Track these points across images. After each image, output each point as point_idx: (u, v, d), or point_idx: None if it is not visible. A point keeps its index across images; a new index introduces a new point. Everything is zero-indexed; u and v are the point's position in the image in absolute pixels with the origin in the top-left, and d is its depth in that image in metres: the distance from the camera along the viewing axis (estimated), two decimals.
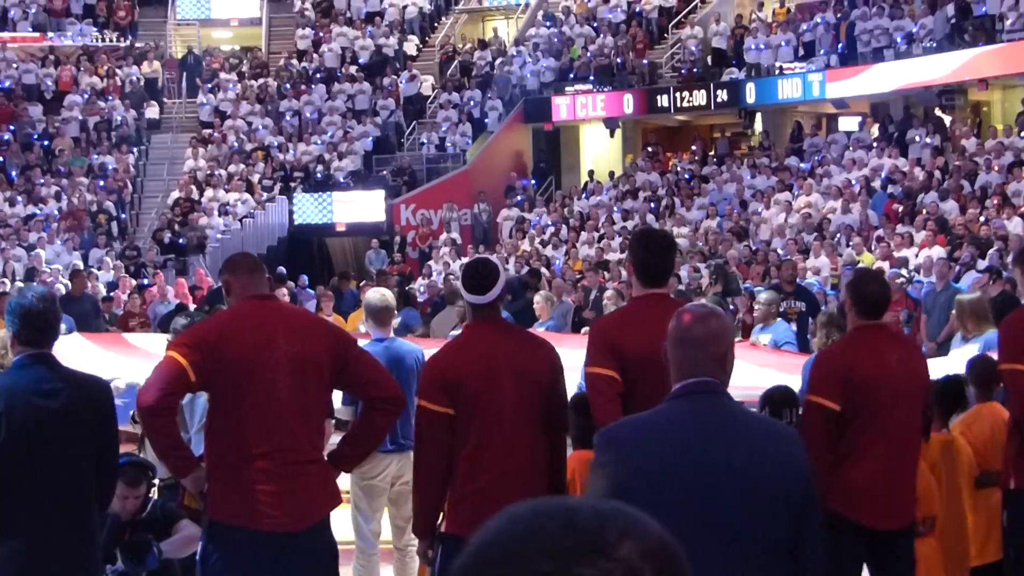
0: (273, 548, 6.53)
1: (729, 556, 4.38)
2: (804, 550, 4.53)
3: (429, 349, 9.21)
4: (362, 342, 9.52)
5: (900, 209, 25.11)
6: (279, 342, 6.57)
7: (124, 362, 11.78)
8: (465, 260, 25.85)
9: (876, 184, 27.11)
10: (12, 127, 34.04)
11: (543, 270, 24.21)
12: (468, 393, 6.56)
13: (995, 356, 8.27)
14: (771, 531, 4.45)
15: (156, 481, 8.36)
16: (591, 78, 34.18)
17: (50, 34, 37.21)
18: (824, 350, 8.62)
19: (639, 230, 9.47)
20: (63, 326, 13.03)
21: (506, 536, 1.85)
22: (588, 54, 34.83)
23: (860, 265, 20.26)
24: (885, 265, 20.44)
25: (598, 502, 1.94)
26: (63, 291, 21.83)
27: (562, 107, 34.05)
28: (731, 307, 17.05)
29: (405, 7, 38.27)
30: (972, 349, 10.04)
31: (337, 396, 8.99)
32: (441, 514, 6.79)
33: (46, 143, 34.07)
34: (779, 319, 14.14)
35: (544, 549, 1.82)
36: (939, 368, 9.23)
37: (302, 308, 12.76)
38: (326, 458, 6.90)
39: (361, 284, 22.57)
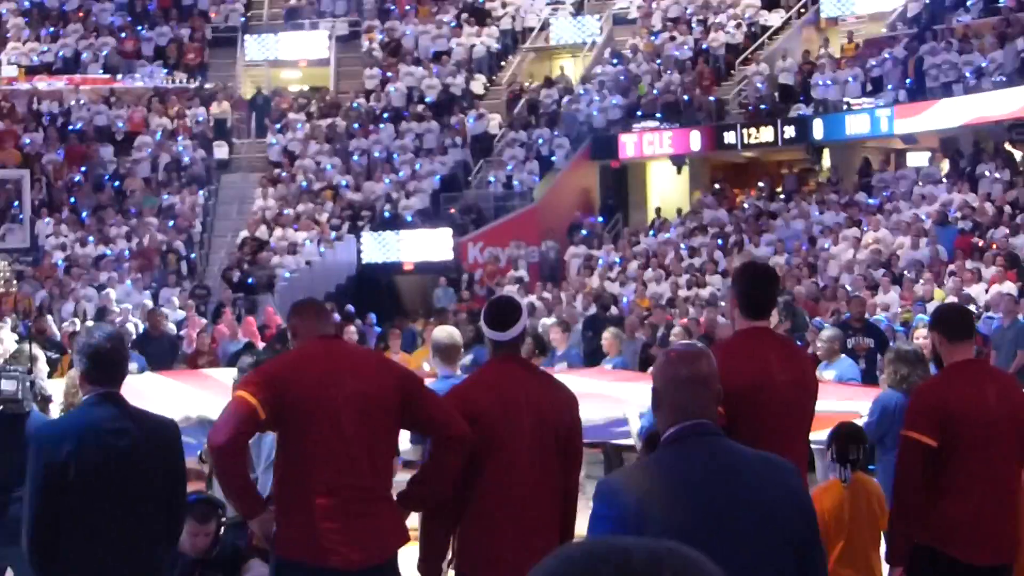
0: None
1: None
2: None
3: None
4: (428, 380, 9.57)
5: (979, 243, 25.05)
6: (345, 380, 6.60)
7: (199, 395, 11.90)
8: (533, 297, 26.06)
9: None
10: (84, 168, 34.62)
11: (613, 308, 24.41)
12: (484, 430, 6.58)
13: None
14: (778, 563, 4.46)
15: (224, 519, 8.40)
16: (658, 115, 34.30)
17: (120, 76, 37.85)
18: (921, 384, 8.53)
19: (742, 263, 9.47)
20: (134, 365, 13.24)
21: None
22: (655, 91, 34.95)
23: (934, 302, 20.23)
24: (954, 301, 20.40)
25: (652, 543, 1.87)
26: (141, 330, 22.26)
27: (629, 144, 34.20)
28: (800, 344, 17.09)
29: (472, 46, 38.63)
30: None
31: (404, 435, 9.02)
32: (449, 553, 6.83)
33: (117, 184, 34.64)
34: (844, 355, 14.16)
35: None
36: None
37: (368, 348, 12.76)
38: (394, 498, 6.92)
39: (429, 321, 22.74)
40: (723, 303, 23.15)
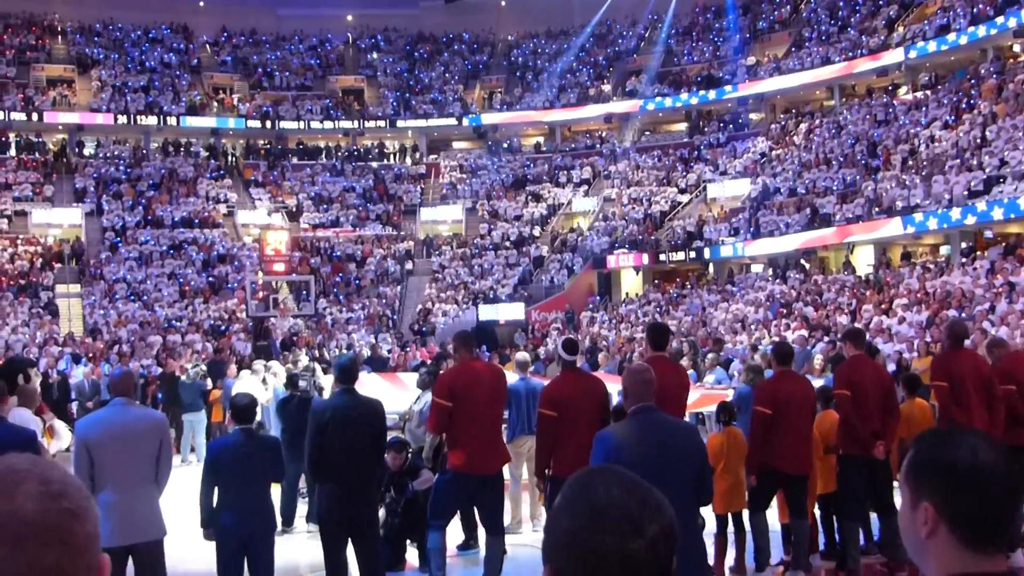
0: (477, 483, 6.51)
1: (670, 491, 4.23)
2: (702, 485, 4.48)
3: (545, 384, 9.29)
4: (512, 378, 9.37)
5: (784, 311, 24.11)
6: (483, 378, 6.57)
7: (394, 386, 11.69)
8: (563, 338, 26.09)
9: None
10: (340, 275, 34.93)
11: (602, 343, 24.54)
12: (564, 406, 6.33)
13: None
14: (688, 475, 4.41)
15: (410, 450, 8.30)
16: (626, 246, 33.93)
17: (359, 229, 37.96)
18: (760, 381, 7.96)
19: (650, 324, 8.82)
20: (365, 370, 13.42)
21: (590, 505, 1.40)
22: (625, 234, 34.53)
23: None
24: (782, 340, 20.13)
25: (615, 475, 1.44)
26: (368, 354, 22.67)
27: (611, 260, 34.02)
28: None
29: (533, 212, 38.28)
30: None
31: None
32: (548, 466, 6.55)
33: (358, 282, 34.81)
34: (719, 367, 14.14)
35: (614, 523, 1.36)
36: None
37: (491, 363, 12.69)
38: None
39: (512, 349, 23.02)
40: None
